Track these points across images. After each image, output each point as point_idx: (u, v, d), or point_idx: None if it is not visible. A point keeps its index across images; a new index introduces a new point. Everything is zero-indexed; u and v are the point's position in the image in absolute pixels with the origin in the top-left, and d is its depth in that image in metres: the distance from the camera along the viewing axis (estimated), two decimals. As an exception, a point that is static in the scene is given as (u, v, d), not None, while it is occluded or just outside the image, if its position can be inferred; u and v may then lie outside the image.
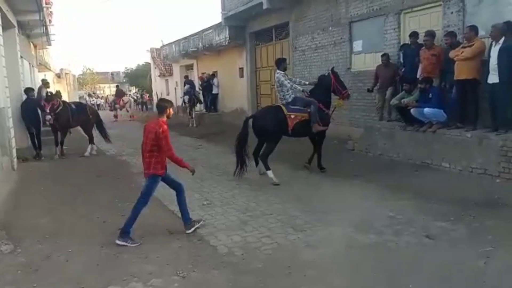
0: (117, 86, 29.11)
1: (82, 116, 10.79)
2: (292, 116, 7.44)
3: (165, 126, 4.86)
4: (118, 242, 4.75)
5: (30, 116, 10.07)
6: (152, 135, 4.79)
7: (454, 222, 5.02)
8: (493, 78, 6.58)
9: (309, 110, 7.49)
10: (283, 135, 7.63)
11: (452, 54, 7.20)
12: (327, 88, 7.85)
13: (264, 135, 7.61)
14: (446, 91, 7.72)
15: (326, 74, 8.08)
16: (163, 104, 5.07)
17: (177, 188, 5.15)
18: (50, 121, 9.74)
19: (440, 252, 4.27)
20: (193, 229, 5.08)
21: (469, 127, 7.09)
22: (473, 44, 6.93)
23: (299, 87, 7.81)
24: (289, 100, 7.67)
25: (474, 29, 7.05)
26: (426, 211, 5.45)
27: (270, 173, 7.26)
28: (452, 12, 8.05)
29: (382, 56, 9.43)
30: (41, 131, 10.51)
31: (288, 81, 7.73)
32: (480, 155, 6.67)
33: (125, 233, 4.79)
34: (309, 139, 8.08)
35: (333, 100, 8.12)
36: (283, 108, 7.56)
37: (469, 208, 5.44)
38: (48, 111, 9.61)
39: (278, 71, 7.85)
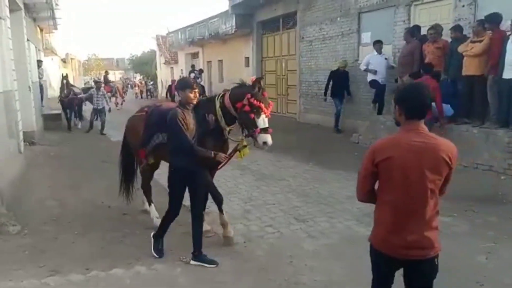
0: (106, 72, 24.91)
1: None
2: None
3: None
4: None
5: None
6: None
7: (457, 217, 5.03)
8: (509, 73, 6.36)
9: None
10: None
11: (461, 48, 7.08)
12: None
13: None
14: (453, 85, 7.64)
15: None
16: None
17: None
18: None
19: (441, 246, 4.28)
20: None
21: (477, 123, 7.02)
22: (483, 40, 6.80)
23: None
24: None
25: (482, 23, 6.92)
26: (429, 205, 5.45)
27: None
28: (463, 6, 7.96)
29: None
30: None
31: None
32: (486, 151, 6.64)
33: None
34: None
35: None
36: None
37: (472, 204, 5.44)
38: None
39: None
